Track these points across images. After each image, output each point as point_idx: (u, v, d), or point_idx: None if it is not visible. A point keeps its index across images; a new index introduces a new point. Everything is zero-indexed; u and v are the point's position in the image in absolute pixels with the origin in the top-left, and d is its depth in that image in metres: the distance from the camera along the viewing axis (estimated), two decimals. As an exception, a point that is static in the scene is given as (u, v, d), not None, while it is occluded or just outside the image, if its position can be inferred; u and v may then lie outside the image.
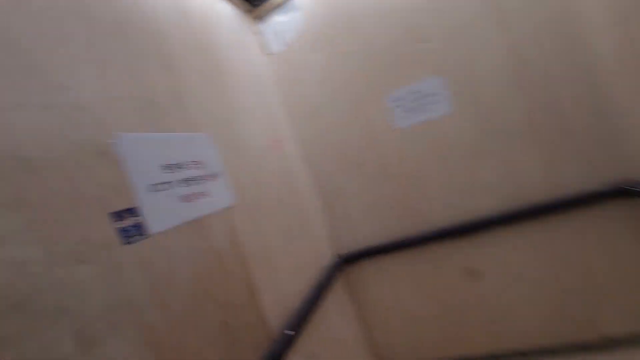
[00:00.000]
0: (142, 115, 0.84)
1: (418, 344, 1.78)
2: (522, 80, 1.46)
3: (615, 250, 1.44)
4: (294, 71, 1.79)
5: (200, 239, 0.90)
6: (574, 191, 1.44)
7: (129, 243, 0.70)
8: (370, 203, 1.76)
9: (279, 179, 1.50)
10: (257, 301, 1.05)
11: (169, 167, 0.88)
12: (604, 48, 1.34)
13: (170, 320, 0.73)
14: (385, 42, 1.62)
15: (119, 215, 0.70)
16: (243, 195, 1.17)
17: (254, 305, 1.03)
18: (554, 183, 1.47)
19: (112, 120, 0.75)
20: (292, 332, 1.09)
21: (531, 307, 1.57)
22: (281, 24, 1.77)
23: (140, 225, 0.74)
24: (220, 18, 1.42)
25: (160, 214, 0.80)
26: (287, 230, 1.41)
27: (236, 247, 1.04)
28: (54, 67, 0.65)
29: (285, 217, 1.43)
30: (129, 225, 0.72)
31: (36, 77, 0.62)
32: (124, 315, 0.64)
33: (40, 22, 0.65)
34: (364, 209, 1.77)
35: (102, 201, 0.67)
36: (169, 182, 0.86)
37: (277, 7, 1.76)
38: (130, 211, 0.73)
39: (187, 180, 0.93)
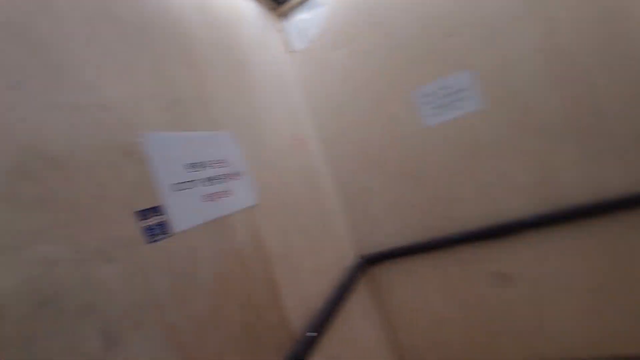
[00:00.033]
0: (167, 114, 0.85)
1: (444, 349, 1.72)
2: (559, 74, 1.36)
3: (666, 257, 1.32)
4: (317, 68, 1.77)
5: (223, 239, 0.90)
6: (618, 193, 1.33)
7: (153, 242, 0.70)
8: (394, 203, 1.71)
9: (301, 177, 1.49)
10: (280, 302, 1.04)
11: (193, 166, 0.88)
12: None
13: (193, 320, 0.73)
14: (410, 36, 1.56)
15: (144, 214, 0.70)
16: (266, 194, 1.16)
17: (277, 306, 1.02)
18: (595, 185, 1.36)
19: (137, 119, 0.75)
20: (315, 334, 1.07)
21: (568, 317, 1.47)
22: (304, 21, 1.75)
23: (164, 224, 0.74)
24: (245, 16, 1.42)
25: (183, 212, 0.80)
26: (310, 230, 1.39)
27: (259, 246, 1.03)
28: (82, 68, 0.66)
29: (308, 217, 1.41)
30: (154, 224, 0.72)
31: (65, 77, 0.63)
32: (148, 314, 0.64)
33: (68, 23, 0.66)
34: (388, 209, 1.72)
35: (128, 200, 0.67)
36: (193, 180, 0.86)
37: (300, 4, 1.74)
38: (155, 210, 0.73)
39: (211, 179, 0.93)
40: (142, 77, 0.80)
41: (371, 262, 1.76)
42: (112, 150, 0.67)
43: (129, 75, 0.77)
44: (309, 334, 1.06)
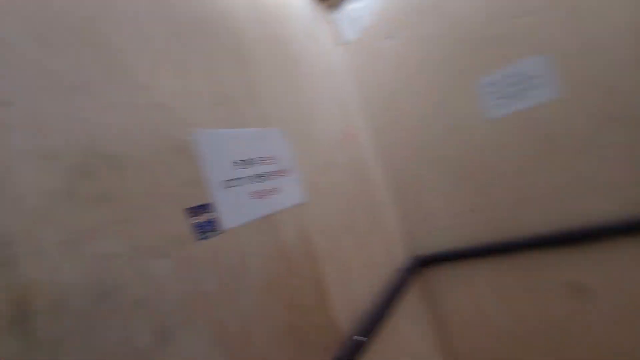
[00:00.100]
0: (218, 111, 0.85)
1: (505, 363, 1.57)
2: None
3: None
4: (368, 57, 1.69)
5: (271, 236, 0.89)
6: None
7: (203, 238, 0.71)
8: (452, 201, 1.58)
9: (351, 173, 1.44)
10: (327, 303, 1.01)
11: (242, 163, 0.88)
12: None
13: (240, 318, 0.73)
14: (473, 20, 1.41)
15: (195, 211, 0.71)
16: (314, 192, 1.13)
17: (324, 307, 0.99)
18: None
19: (189, 117, 0.76)
20: (364, 339, 1.02)
21: (666, 341, 1.24)
22: (356, 10, 1.68)
23: (214, 221, 0.75)
24: (294, 9, 1.39)
25: (232, 210, 0.80)
26: (359, 227, 1.34)
27: (306, 245, 1.01)
28: (137, 67, 0.68)
29: (357, 215, 1.36)
30: (204, 221, 0.73)
31: (123, 78, 0.65)
32: (197, 311, 0.65)
33: (127, 25, 0.68)
34: (444, 208, 1.60)
35: (179, 197, 0.68)
36: (242, 178, 0.86)
37: (352, -7, 1.68)
38: (205, 207, 0.74)
39: (259, 176, 0.92)
40: (194, 75, 0.81)
41: (425, 263, 1.66)
42: (165, 148, 0.69)
43: (182, 73, 0.78)
44: (358, 338, 1.02)
